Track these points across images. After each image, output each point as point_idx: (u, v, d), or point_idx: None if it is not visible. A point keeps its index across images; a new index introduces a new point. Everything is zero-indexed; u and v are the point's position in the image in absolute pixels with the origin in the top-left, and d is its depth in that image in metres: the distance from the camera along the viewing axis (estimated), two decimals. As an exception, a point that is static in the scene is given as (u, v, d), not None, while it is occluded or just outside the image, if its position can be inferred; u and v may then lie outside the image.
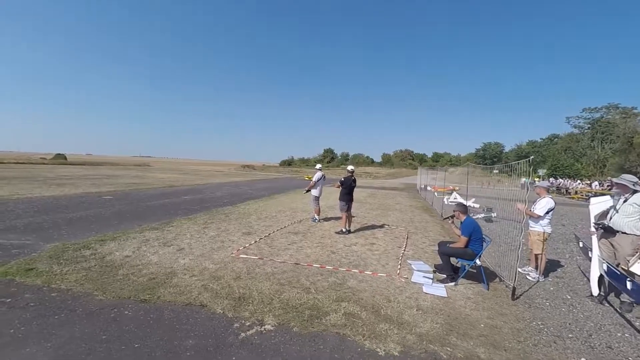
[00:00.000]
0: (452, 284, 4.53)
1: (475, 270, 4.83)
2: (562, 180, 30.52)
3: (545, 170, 30.70)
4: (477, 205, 14.83)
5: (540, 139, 61.58)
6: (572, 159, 46.25)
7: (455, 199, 16.74)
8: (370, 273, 4.76)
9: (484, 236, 4.77)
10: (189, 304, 3.51)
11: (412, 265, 5.26)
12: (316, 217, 8.86)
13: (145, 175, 26.71)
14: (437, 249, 5.85)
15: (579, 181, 29.22)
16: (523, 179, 30.19)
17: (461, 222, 4.85)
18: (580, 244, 5.32)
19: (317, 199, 8.79)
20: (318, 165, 9.17)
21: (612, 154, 43.94)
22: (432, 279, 4.67)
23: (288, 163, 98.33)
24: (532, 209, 5.21)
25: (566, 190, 28.65)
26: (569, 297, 4.43)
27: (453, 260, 4.83)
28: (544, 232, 5.08)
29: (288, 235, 6.87)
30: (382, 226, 8.47)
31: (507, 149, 63.06)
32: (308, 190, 8.90)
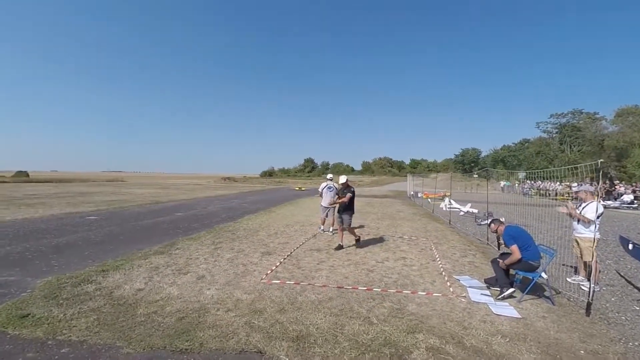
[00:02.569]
0: (514, 298, 4.13)
1: (519, 282, 4.46)
2: (541, 183, 31.71)
3: (524, 173, 31.82)
4: (475, 211, 14.83)
5: (513, 143, 64.59)
6: (546, 161, 48.51)
7: (450, 204, 16.74)
8: (425, 294, 4.28)
9: (546, 247, 4.44)
10: (242, 350, 2.86)
11: (461, 281, 4.83)
12: (321, 227, 8.46)
13: (123, 192, 25.05)
14: (470, 259, 5.49)
15: (558, 183, 30.43)
16: (502, 182, 31.16)
17: (502, 235, 4.52)
18: (630, 246, 5.09)
19: (324, 209, 8.37)
20: (328, 175, 8.74)
21: (581, 156, 46.53)
22: (491, 295, 4.26)
23: (269, 174, 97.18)
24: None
25: (546, 192, 29.77)
26: (637, 308, 4.15)
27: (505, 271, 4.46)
28: (594, 239, 4.83)
29: (312, 253, 6.28)
30: (401, 237, 8.05)
31: (483, 154, 65.63)
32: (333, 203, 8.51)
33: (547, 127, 58.01)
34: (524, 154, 54.37)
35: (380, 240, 7.71)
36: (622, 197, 19.69)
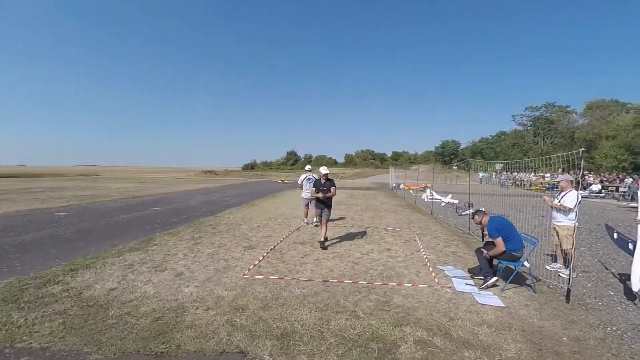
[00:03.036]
0: (497, 287, 4.17)
1: (502, 271, 4.52)
2: (517, 174, 32.88)
3: (501, 165, 32.86)
4: (456, 201, 15.12)
5: (490, 136, 66.50)
6: (521, 153, 50.29)
7: (432, 195, 17.01)
8: (410, 285, 4.24)
9: (529, 237, 4.49)
10: (223, 352, 2.70)
11: (446, 272, 4.84)
12: (304, 219, 8.34)
13: (98, 186, 23.92)
14: (453, 249, 5.52)
15: (532, 174, 31.66)
16: (481, 174, 31.92)
17: (486, 226, 4.53)
18: (615, 235, 5.22)
19: (305, 200, 8.26)
20: (307, 167, 8.64)
21: (554, 148, 48.50)
22: (475, 285, 4.28)
23: (251, 167, 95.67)
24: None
25: (521, 183, 30.89)
26: (611, 293, 4.29)
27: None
28: (574, 227, 4.94)
29: (296, 247, 6.14)
30: (385, 229, 8.04)
31: (462, 146, 67.26)
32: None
33: (522, 120, 60.04)
34: (501, 146, 56.09)
35: (364, 232, 7.67)
36: (590, 187, 20.66)
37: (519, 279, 4.46)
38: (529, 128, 59.06)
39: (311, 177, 8.30)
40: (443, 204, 14.86)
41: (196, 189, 22.43)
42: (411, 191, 21.96)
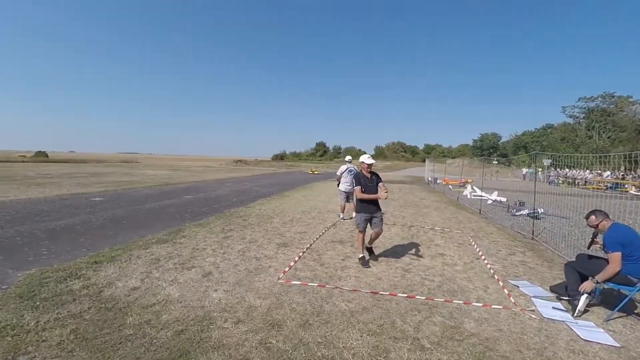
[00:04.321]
0: (588, 310, 3.24)
1: (600, 294, 3.54)
2: (568, 170, 29.90)
3: (550, 160, 30.02)
4: (503, 199, 13.72)
5: (535, 129, 61.46)
6: (571, 148, 45.99)
7: (474, 192, 15.64)
8: (481, 305, 3.43)
9: None
10: (257, 390, 2.10)
11: (521, 288, 3.96)
12: (340, 214, 7.68)
13: (135, 173, 24.80)
14: (520, 258, 4.56)
15: (587, 171, 28.61)
16: (525, 169, 29.23)
17: (602, 234, 3.53)
18: None
19: (343, 194, 7.56)
20: (347, 157, 7.90)
21: (611, 143, 43.81)
22: (567, 311, 3.38)
23: (281, 157, 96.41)
24: None
25: (574, 181, 28.08)
26: None
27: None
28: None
29: (334, 246, 5.48)
30: (433, 229, 7.16)
31: (503, 140, 62.89)
32: (339, 184, 7.71)
33: (573, 112, 54.78)
34: (548, 140, 51.66)
35: (409, 232, 6.85)
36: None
37: (626, 307, 3.49)
38: (581, 121, 53.83)
39: (352, 168, 7.59)
40: (490, 201, 13.52)
41: (227, 178, 22.51)
42: (450, 186, 20.57)
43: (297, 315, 3.07)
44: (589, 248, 3.92)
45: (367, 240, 4.79)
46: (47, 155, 53.21)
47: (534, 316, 3.23)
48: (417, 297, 3.56)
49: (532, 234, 6.82)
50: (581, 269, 3.49)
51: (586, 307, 3.32)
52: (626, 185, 20.92)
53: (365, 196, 4.49)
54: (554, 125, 58.41)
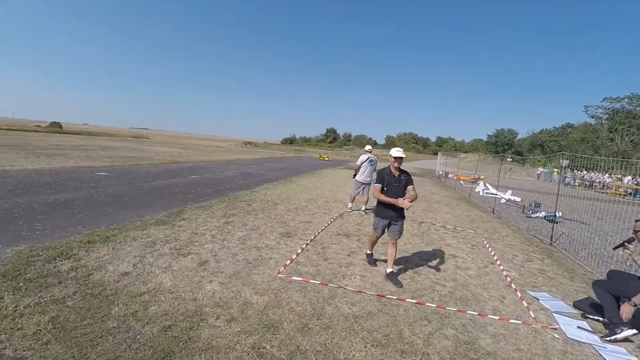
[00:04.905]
0: (629, 341, 2.90)
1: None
2: (586, 173, 28.82)
3: (567, 161, 28.90)
4: (518, 199, 13.21)
5: (554, 127, 59.32)
6: (591, 150, 44.37)
7: (487, 189, 15.12)
8: (497, 318, 3.12)
9: None
10: (244, 408, 1.85)
11: (541, 301, 3.63)
12: (349, 204, 7.39)
13: (145, 149, 24.82)
14: (538, 266, 4.19)
15: (607, 175, 27.53)
16: (540, 169, 28.11)
17: None
18: None
19: (360, 185, 7.21)
20: (367, 147, 7.45)
21: (634, 147, 42.10)
22: (593, 332, 3.05)
23: (290, 141, 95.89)
24: None
25: (591, 184, 27.12)
26: None
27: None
28: None
29: (339, 240, 5.20)
30: (444, 227, 6.81)
31: (519, 137, 60.96)
32: (355, 176, 7.35)
33: (596, 112, 52.56)
34: (567, 140, 49.88)
35: (419, 228, 6.52)
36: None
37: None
38: (604, 122, 51.69)
39: (373, 158, 7.24)
40: (503, 200, 13.02)
41: (235, 159, 22.34)
42: (462, 182, 20.01)
43: (296, 316, 2.81)
44: (615, 249, 3.55)
45: (390, 261, 3.87)
46: (61, 127, 53.84)
47: (557, 335, 2.91)
48: (427, 304, 3.27)
49: (551, 239, 6.42)
50: (614, 290, 3.13)
51: (629, 338, 2.97)
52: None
53: (384, 198, 3.66)
54: (574, 124, 56.30)
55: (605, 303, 3.06)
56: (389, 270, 3.79)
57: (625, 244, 3.33)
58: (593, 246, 6.55)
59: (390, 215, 3.79)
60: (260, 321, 2.69)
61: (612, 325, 2.94)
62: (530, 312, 3.31)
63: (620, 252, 3.42)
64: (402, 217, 3.88)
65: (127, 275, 3.28)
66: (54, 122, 57.03)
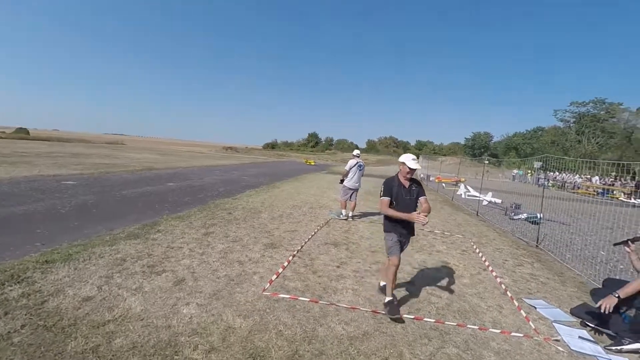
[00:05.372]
0: (624, 349, 2.80)
1: (628, 321, 3.11)
2: (559, 174, 30.08)
3: (540, 163, 30.09)
4: (498, 201, 13.45)
5: (526, 130, 61.98)
6: (561, 152, 46.50)
7: (468, 191, 15.35)
8: (499, 332, 2.95)
9: None
10: None
11: (538, 309, 3.50)
12: (342, 211, 7.10)
13: (119, 155, 23.72)
14: (529, 270, 4.10)
15: (577, 175, 28.82)
16: (515, 171, 29.17)
17: None
18: None
19: (348, 190, 6.97)
20: (355, 152, 7.23)
21: (599, 148, 44.47)
22: (595, 342, 2.93)
23: (272, 146, 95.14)
24: None
25: (563, 184, 28.31)
26: None
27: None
28: None
29: (327, 250, 4.94)
30: (432, 232, 6.69)
31: (494, 140, 63.21)
32: (342, 181, 7.09)
33: (564, 116, 55.29)
34: (539, 143, 52.11)
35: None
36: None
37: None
38: (571, 125, 54.43)
39: (362, 163, 7.03)
40: (485, 202, 13.21)
41: (215, 165, 21.71)
42: (443, 184, 20.31)
43: (285, 342, 2.51)
44: (615, 245, 3.49)
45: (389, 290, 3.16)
46: (28, 132, 50.82)
47: (560, 348, 2.76)
48: (425, 318, 3.06)
49: (537, 241, 6.43)
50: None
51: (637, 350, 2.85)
52: (615, 192, 21.07)
53: (395, 214, 3.09)
54: (545, 128, 58.99)
55: (608, 314, 2.95)
56: (389, 299, 3.10)
57: (629, 242, 3.26)
58: (576, 247, 6.63)
59: (401, 232, 3.23)
60: (244, 350, 2.38)
61: (618, 336, 2.83)
62: (530, 322, 3.16)
63: (626, 249, 3.30)
64: (413, 233, 3.41)
65: (90, 301, 2.88)
66: (20, 128, 53.85)
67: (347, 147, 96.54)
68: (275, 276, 3.70)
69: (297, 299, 3.21)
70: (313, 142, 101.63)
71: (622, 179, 22.68)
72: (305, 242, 5.14)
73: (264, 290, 3.34)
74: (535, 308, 3.52)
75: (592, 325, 3.17)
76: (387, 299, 3.11)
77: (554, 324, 3.21)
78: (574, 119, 54.13)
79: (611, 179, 23.78)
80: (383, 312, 3.09)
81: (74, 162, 15.78)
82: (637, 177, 24.05)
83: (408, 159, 3.24)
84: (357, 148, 11.36)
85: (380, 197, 3.26)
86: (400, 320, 2.96)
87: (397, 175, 3.35)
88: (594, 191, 21.62)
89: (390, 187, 3.24)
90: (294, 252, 4.58)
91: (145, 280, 3.36)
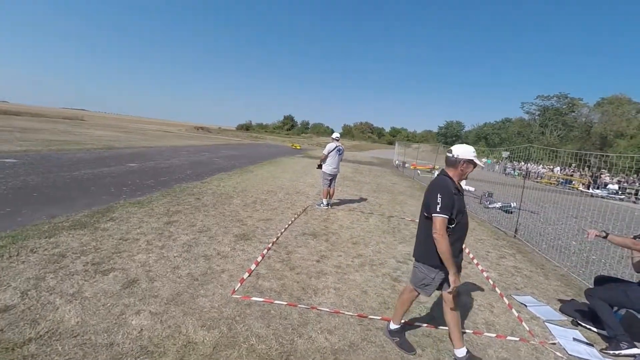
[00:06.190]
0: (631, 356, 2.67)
1: (620, 319, 3.01)
2: (524, 164, 31.52)
3: (508, 153, 31.37)
4: (472, 189, 13.68)
5: (495, 121, 64.49)
6: (526, 143, 48.87)
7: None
8: (494, 336, 2.71)
9: None
10: None
11: (529, 308, 3.33)
12: (323, 201, 6.66)
13: (76, 132, 21.66)
14: (512, 263, 3.97)
15: (541, 166, 30.34)
16: (484, 159, 30.13)
17: None
18: None
19: (328, 176, 6.50)
20: (335, 134, 6.71)
21: (560, 140, 47.19)
22: (590, 344, 2.77)
23: (246, 128, 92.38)
24: None
25: (527, 174, 29.74)
26: None
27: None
28: None
29: (306, 241, 4.52)
30: (414, 222, 6.46)
31: (465, 129, 65.23)
32: (320, 166, 6.59)
33: (530, 109, 57.96)
34: (507, 133, 54.43)
35: (389, 223, 6.09)
36: (607, 187, 19.46)
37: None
38: (536, 117, 57.19)
39: (341, 147, 6.55)
40: (460, 191, 13.36)
41: (184, 145, 20.44)
42: (419, 172, 20.49)
43: (257, 358, 2.09)
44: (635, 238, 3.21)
45: (403, 305, 2.48)
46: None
47: (559, 354, 2.57)
48: (416, 323, 2.75)
49: (515, 232, 6.41)
50: (614, 301, 2.87)
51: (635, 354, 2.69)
52: (574, 182, 22.39)
53: (447, 252, 2.01)
54: (512, 119, 61.60)
55: (605, 317, 2.78)
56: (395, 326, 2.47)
57: (636, 238, 3.10)
58: (549, 237, 6.71)
59: (457, 260, 2.17)
60: (206, 373, 1.93)
61: (615, 340, 2.67)
62: (524, 323, 2.96)
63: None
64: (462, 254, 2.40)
65: (9, 312, 2.27)
66: (-42, 97, 47.93)
67: (323, 131, 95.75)
68: (247, 274, 3.24)
69: (272, 302, 2.78)
70: (289, 125, 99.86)
71: (581, 169, 24.12)
72: (281, 233, 4.69)
73: (234, 292, 2.88)
74: (526, 306, 3.35)
75: (585, 325, 3.03)
76: (393, 326, 2.46)
77: (546, 323, 3.04)
78: (539, 112, 56.89)
79: (571, 170, 25.22)
80: (371, 316, 2.74)
81: (21, 137, 14.07)
82: (592, 169, 25.77)
83: (468, 151, 2.19)
84: (329, 132, 10.90)
85: (437, 212, 2.02)
86: (412, 351, 2.35)
87: (448, 178, 2.18)
88: (556, 181, 22.79)
89: (452, 198, 2.07)
90: (269, 245, 4.12)
91: (86, 282, 2.77)
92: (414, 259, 2.38)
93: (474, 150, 2.23)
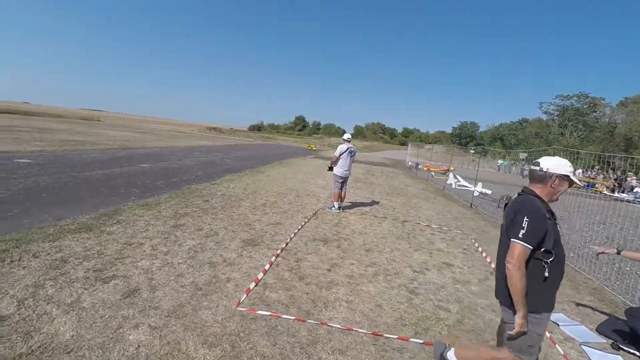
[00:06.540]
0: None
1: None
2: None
3: (526, 154, 30.34)
4: (489, 192, 13.20)
5: (511, 122, 62.75)
6: (544, 144, 47.32)
7: (458, 181, 15.05)
8: (525, 360, 2.43)
9: None
10: None
11: (561, 327, 3.02)
12: (335, 204, 6.43)
13: (92, 132, 22.11)
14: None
15: (561, 168, 29.15)
16: (500, 161, 29.20)
17: None
18: None
19: (339, 179, 6.28)
20: (346, 135, 6.47)
21: (581, 142, 45.45)
22: (634, 371, 2.47)
23: (258, 128, 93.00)
24: None
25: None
26: None
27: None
28: None
29: (316, 247, 4.31)
30: (429, 227, 6.16)
31: (480, 129, 63.79)
32: (330, 168, 6.38)
33: (549, 109, 56.11)
34: (524, 134, 52.84)
35: (403, 229, 5.82)
36: (634, 190, 18.51)
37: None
38: (555, 118, 55.33)
39: (353, 149, 6.32)
40: (476, 193, 12.91)
41: (197, 146, 20.57)
42: (432, 173, 20.01)
43: (262, 385, 1.89)
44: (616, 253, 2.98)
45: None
46: (-12, 104, 46.99)
47: (601, 384, 2.27)
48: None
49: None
50: None
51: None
52: (597, 185, 21.42)
53: (520, 284, 1.64)
54: (529, 120, 59.81)
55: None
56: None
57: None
58: (574, 244, 6.29)
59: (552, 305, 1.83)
60: (205, 400, 1.74)
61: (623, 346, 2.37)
62: (557, 346, 2.67)
63: None
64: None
65: (3, 323, 2.15)
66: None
67: (334, 131, 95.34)
68: (253, 284, 3.05)
69: (279, 317, 2.58)
70: (300, 126, 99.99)
71: (604, 172, 23.06)
72: (291, 238, 4.49)
73: (239, 304, 2.70)
74: (558, 325, 3.05)
75: (627, 349, 2.72)
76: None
77: (582, 346, 2.74)
78: (558, 112, 55.02)
79: (594, 172, 24.18)
80: (387, 334, 2.51)
81: (38, 137, 14.38)
82: (617, 171, 24.62)
83: (563, 165, 1.77)
84: (341, 133, 10.66)
85: (519, 237, 1.64)
86: None
87: (537, 198, 1.76)
88: (579, 184, 21.83)
89: (544, 223, 1.67)
90: (278, 251, 3.93)
91: (86, 290, 2.64)
92: (499, 302, 1.90)
93: (569, 164, 1.78)
